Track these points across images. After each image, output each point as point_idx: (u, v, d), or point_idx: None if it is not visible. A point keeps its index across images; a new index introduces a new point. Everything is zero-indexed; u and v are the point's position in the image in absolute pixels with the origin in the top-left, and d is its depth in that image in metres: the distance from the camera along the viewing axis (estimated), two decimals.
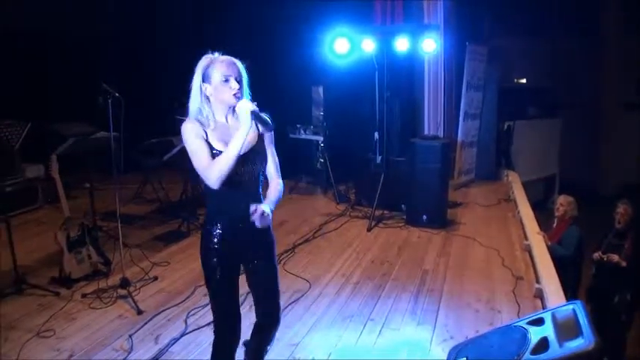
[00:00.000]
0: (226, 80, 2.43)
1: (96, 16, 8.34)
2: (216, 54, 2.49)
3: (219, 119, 2.50)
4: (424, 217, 6.09)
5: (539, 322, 2.54)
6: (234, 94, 2.43)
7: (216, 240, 2.51)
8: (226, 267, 2.55)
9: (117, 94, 4.08)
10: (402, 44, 6.38)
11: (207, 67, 2.45)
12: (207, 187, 2.41)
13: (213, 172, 2.32)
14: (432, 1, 8.03)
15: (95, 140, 5.24)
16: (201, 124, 2.44)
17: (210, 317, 3.85)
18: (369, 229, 6.08)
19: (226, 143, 2.40)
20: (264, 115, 2.40)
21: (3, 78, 7.05)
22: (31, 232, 6.05)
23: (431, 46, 6.41)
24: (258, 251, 2.64)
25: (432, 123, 8.21)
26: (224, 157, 2.33)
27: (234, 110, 2.48)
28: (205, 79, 2.45)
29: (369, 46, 6.38)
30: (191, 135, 2.40)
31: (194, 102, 2.47)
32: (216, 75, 2.43)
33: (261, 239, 2.63)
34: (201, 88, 2.45)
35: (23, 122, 6.12)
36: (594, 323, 2.31)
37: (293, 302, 4.21)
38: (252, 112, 2.35)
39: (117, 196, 4.30)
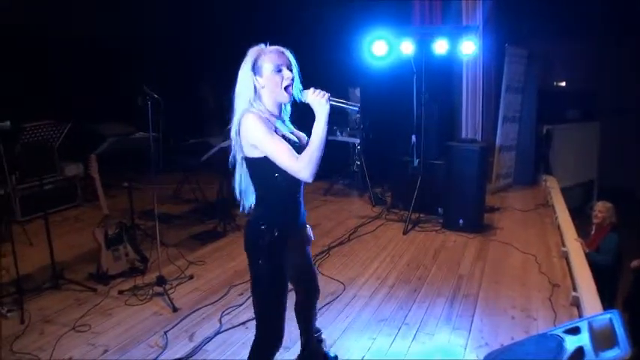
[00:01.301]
0: (279, 70, 2.39)
1: (137, 18, 8.52)
2: (263, 45, 2.46)
3: (273, 111, 2.47)
4: (461, 221, 6.08)
5: (575, 330, 2.55)
6: (287, 86, 2.41)
7: (274, 239, 2.46)
8: (282, 265, 2.53)
9: (156, 96, 4.16)
10: (440, 46, 6.33)
11: (257, 58, 2.40)
12: (267, 186, 2.45)
13: (307, 165, 2.29)
14: (471, 1, 7.99)
15: (134, 140, 5.35)
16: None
17: (243, 317, 3.98)
18: (404, 233, 6.10)
19: (291, 133, 2.44)
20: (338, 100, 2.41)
21: (45, 79, 7.27)
22: (70, 229, 6.23)
23: (470, 48, 6.35)
24: (303, 239, 2.76)
25: (469, 126, 8.17)
26: (314, 147, 2.30)
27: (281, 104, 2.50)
28: (256, 70, 2.40)
29: (407, 48, 6.35)
30: (262, 128, 2.30)
31: (243, 95, 2.40)
32: (268, 65, 2.39)
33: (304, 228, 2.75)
34: (253, 81, 2.41)
35: (63, 122, 6.30)
36: (631, 333, 2.32)
37: (327, 304, 4.25)
38: (330, 99, 2.36)
39: (154, 195, 4.39)
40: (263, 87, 2.42)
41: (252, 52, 2.43)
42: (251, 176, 2.51)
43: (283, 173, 2.37)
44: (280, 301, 2.58)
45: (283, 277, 2.57)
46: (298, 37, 7.78)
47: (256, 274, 2.53)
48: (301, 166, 2.29)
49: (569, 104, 10.25)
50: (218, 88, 7.55)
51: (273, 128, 2.36)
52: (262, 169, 2.41)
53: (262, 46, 2.45)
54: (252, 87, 2.41)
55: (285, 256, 2.54)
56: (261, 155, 2.37)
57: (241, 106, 2.40)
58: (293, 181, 2.42)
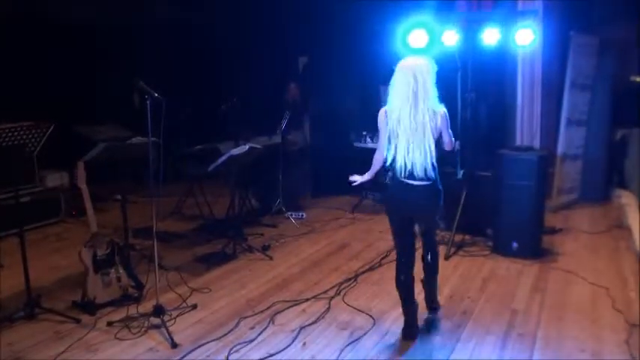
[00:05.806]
0: None
1: (139, 6, 8.64)
2: None
3: None
4: (514, 244, 6.04)
5: None
6: None
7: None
8: None
9: (156, 94, 4.17)
10: (490, 36, 6.30)
11: None
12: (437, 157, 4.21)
13: None
14: None
15: (130, 146, 5.39)
16: None
17: (255, 354, 4.02)
18: (446, 258, 6.09)
19: None
20: None
21: (25, 74, 7.38)
22: (51, 249, 6.33)
23: (527, 37, 6.28)
24: None
25: (525, 131, 8.11)
26: None
27: None
28: None
29: (451, 38, 6.31)
30: None
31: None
32: None
33: None
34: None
35: (45, 124, 6.36)
36: None
37: (353, 342, 4.22)
38: None
39: (153, 210, 4.36)
40: None
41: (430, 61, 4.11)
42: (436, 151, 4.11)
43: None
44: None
45: None
46: (322, 28, 7.85)
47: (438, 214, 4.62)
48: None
49: None
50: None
51: None
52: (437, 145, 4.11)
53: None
54: None
55: None
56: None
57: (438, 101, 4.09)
58: None
